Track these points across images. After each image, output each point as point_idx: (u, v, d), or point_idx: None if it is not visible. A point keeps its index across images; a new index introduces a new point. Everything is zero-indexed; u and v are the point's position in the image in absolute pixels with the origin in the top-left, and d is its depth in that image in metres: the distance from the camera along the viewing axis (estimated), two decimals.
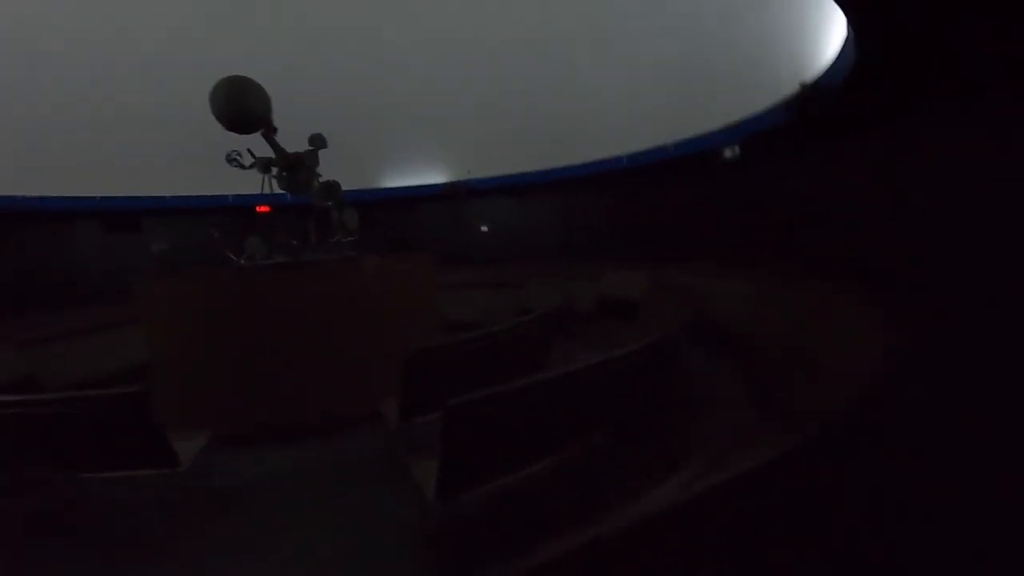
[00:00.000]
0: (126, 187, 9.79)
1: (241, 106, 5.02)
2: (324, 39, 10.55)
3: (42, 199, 8.92)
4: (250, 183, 5.99)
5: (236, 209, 9.98)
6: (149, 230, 10.63)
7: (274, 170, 5.85)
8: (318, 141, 5.92)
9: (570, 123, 10.34)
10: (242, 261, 5.54)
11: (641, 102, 9.20)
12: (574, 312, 7.58)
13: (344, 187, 11.23)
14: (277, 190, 6.00)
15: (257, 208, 9.46)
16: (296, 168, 5.79)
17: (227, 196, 10.30)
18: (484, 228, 12.16)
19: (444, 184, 11.66)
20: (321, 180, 6.20)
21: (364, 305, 4.88)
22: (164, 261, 10.83)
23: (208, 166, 7.18)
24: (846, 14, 3.84)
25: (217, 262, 5.77)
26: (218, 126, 5.11)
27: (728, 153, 7.01)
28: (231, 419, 4.64)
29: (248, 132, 5.24)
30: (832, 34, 5.58)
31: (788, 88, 5.92)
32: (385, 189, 12.10)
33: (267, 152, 5.71)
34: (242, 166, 5.76)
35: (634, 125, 9.16)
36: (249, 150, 5.74)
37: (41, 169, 8.81)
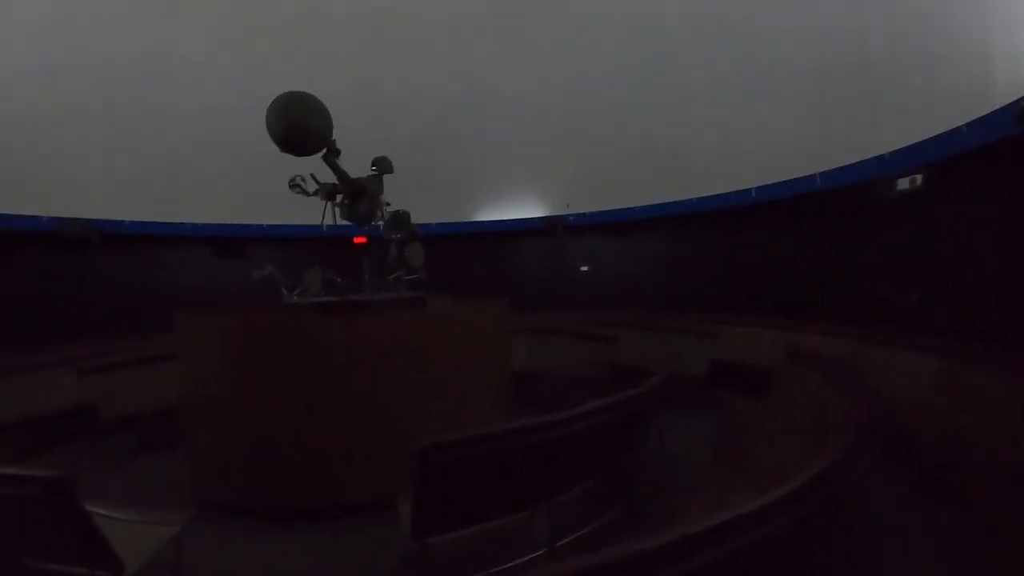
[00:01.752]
0: (230, 214, 10.05)
1: (294, 124, 4.46)
2: (420, 70, 10.30)
3: (150, 223, 9.32)
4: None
5: (331, 239, 9.82)
6: (251, 256, 10.83)
7: (339, 197, 5.28)
8: (383, 165, 5.24)
9: (683, 151, 9.02)
10: (294, 297, 4.96)
11: (775, 123, 7.66)
12: (679, 375, 6.18)
13: (432, 219, 10.98)
14: (341, 220, 5.43)
15: (355, 239, 9.23)
16: (359, 195, 5.15)
17: (321, 226, 10.20)
18: (584, 268, 11.02)
19: (540, 219, 10.74)
20: (389, 209, 5.53)
21: (412, 358, 3.96)
22: (264, 287, 11.01)
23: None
24: None
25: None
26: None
27: (905, 184, 5.30)
28: (225, 489, 3.94)
29: (304, 154, 4.68)
30: None
31: (1003, 93, 4.23)
32: (474, 223, 11.46)
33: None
34: (305, 192, 5.24)
35: (766, 151, 7.63)
36: (313, 175, 5.22)
37: (153, 195, 9.22)
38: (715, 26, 8.10)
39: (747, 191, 7.83)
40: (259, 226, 10.22)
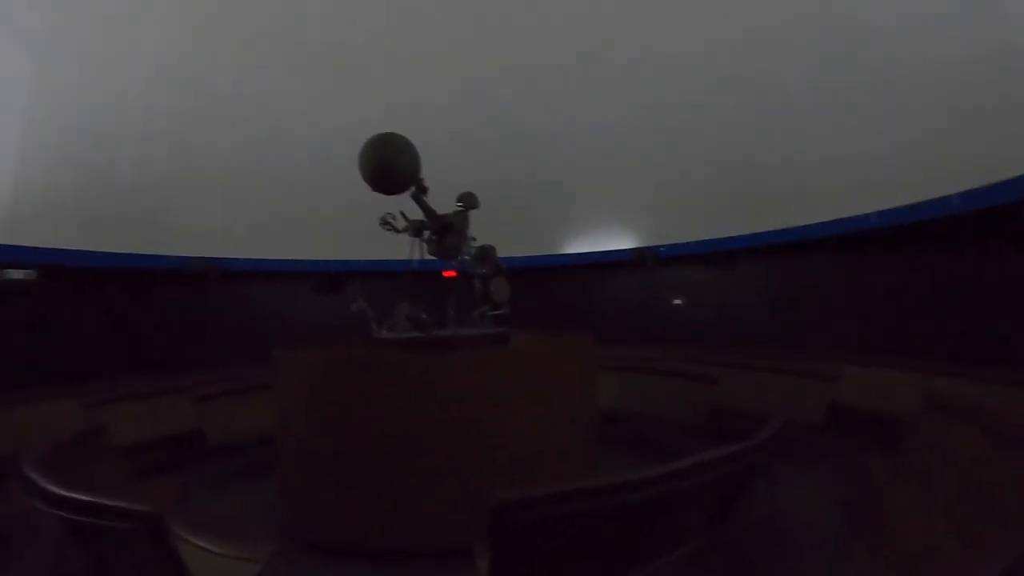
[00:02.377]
0: (332, 252, 10.64)
1: (384, 164, 4.59)
2: (506, 107, 10.46)
3: (260, 261, 10.10)
4: None
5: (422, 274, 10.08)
6: (349, 291, 11.36)
7: (426, 233, 5.35)
8: (468, 200, 5.25)
9: (786, 174, 8.34)
10: (383, 331, 5.01)
11: (893, 139, 6.87)
12: (791, 421, 5.51)
13: (520, 253, 10.94)
14: (428, 256, 5.48)
15: (444, 273, 9.43)
16: (445, 231, 5.18)
17: (413, 261, 10.52)
18: (677, 302, 10.44)
19: (630, 250, 10.36)
20: (475, 244, 5.51)
21: (492, 397, 3.80)
22: (359, 321, 11.50)
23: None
24: None
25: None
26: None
27: None
28: (306, 524, 3.93)
29: (393, 192, 4.79)
30: None
31: None
32: (561, 255, 11.28)
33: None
34: (395, 229, 5.35)
35: (888, 169, 6.85)
36: (402, 212, 5.33)
37: (264, 235, 10.00)
38: (820, 32, 7.48)
39: (866, 216, 7.02)
40: (357, 262, 10.71)
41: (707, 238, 9.34)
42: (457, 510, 3.51)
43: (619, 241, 10.71)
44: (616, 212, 10.91)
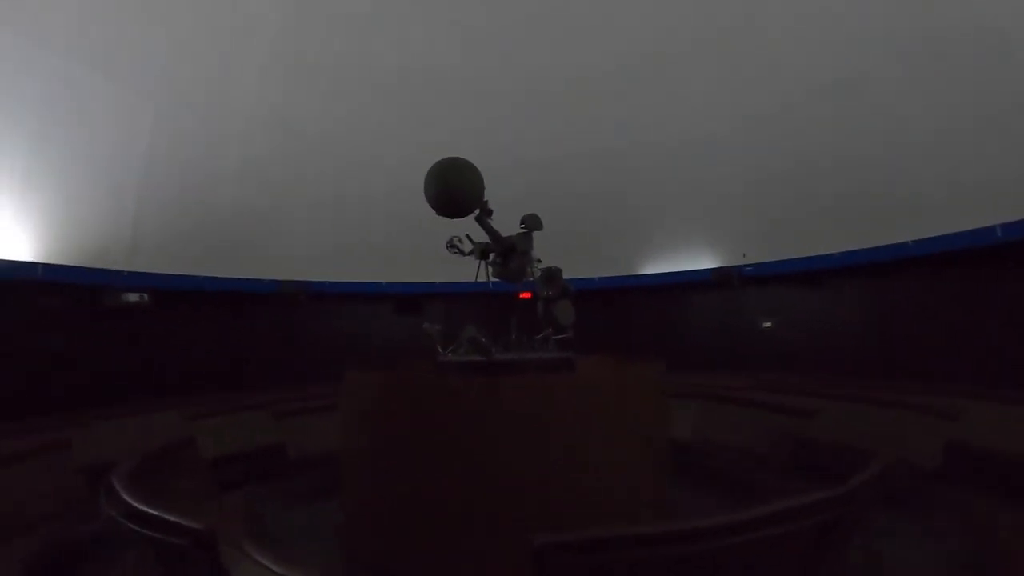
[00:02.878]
0: (411, 274, 10.97)
1: (448, 188, 4.62)
2: (577, 127, 10.36)
3: (346, 283, 10.62)
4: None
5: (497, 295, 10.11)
6: (427, 312, 11.63)
7: (491, 256, 5.33)
8: (531, 222, 5.16)
9: (887, 185, 7.55)
10: (448, 354, 5.01)
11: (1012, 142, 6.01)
12: (899, 462, 4.84)
13: (594, 274, 10.68)
14: (493, 278, 5.45)
15: (520, 295, 9.41)
16: (510, 254, 5.13)
17: (488, 283, 10.60)
18: (766, 325, 9.71)
19: (712, 270, 9.81)
20: (540, 266, 5.41)
21: (552, 426, 3.63)
22: (442, 340, 11.71)
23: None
24: None
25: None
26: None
27: None
28: (363, 547, 3.91)
29: (457, 216, 4.81)
30: None
31: None
32: (636, 276, 10.89)
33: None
34: (462, 253, 5.38)
35: (1000, 180, 6.00)
36: (468, 236, 5.36)
37: (347, 257, 10.52)
38: (923, 31, 6.76)
39: (990, 229, 6.17)
40: (434, 284, 10.96)
41: (798, 256, 8.63)
42: (514, 545, 3.36)
43: (701, 260, 10.18)
44: (697, 230, 10.40)
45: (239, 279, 9.24)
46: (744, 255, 9.50)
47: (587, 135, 10.44)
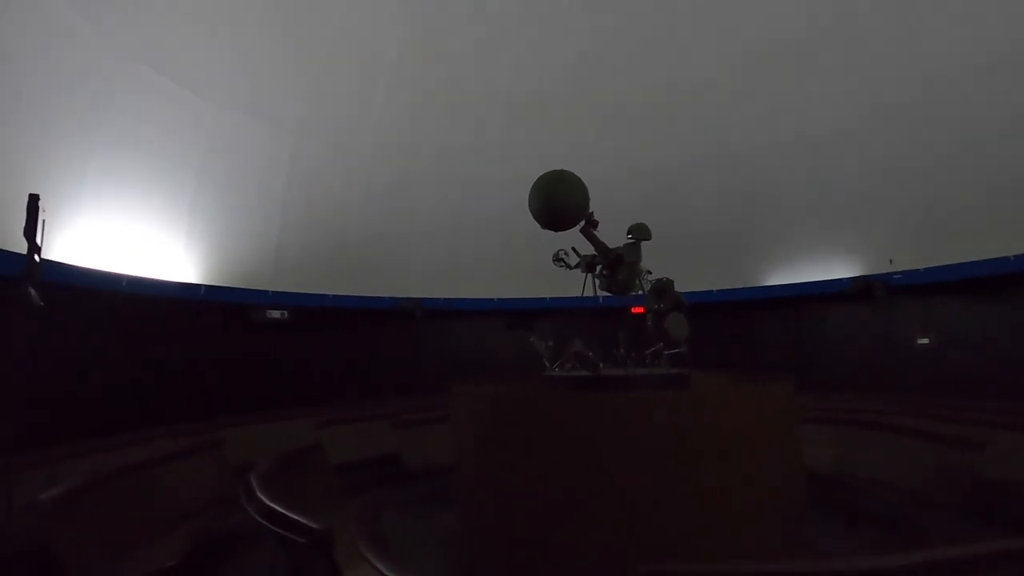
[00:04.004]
0: (523, 290, 11.11)
1: (552, 201, 4.59)
2: (702, 129, 9.88)
3: (459, 300, 11.02)
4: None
5: (607, 310, 9.90)
6: (537, 327, 11.69)
7: (598, 268, 5.20)
8: (639, 232, 4.96)
9: None
10: (555, 368, 4.95)
11: None
12: None
13: (716, 286, 10.04)
14: (601, 291, 5.31)
15: (632, 309, 9.15)
16: (617, 265, 4.97)
17: (597, 297, 10.42)
18: (923, 341, 8.43)
19: (852, 279, 8.76)
20: (651, 278, 5.18)
21: (664, 448, 3.40)
22: (549, 355, 11.73)
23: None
24: None
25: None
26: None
27: None
28: (475, 559, 3.89)
29: (562, 229, 4.75)
30: None
31: None
32: (762, 288, 10.04)
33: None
34: (568, 266, 5.32)
35: None
36: (574, 248, 5.28)
37: (462, 274, 10.92)
38: None
39: None
40: (543, 299, 10.99)
41: (960, 261, 7.42)
42: (618, 572, 3.18)
43: (838, 269, 9.16)
44: (831, 235, 9.40)
45: (363, 296, 9.96)
46: (891, 261, 8.38)
47: (704, 140, 10.01)
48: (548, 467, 3.52)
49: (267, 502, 3.09)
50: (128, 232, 7.00)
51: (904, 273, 8.19)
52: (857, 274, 8.79)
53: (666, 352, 4.67)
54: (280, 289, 9.03)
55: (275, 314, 8.76)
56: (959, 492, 4.44)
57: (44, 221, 4.69)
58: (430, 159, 10.48)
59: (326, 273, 9.55)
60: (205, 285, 7.91)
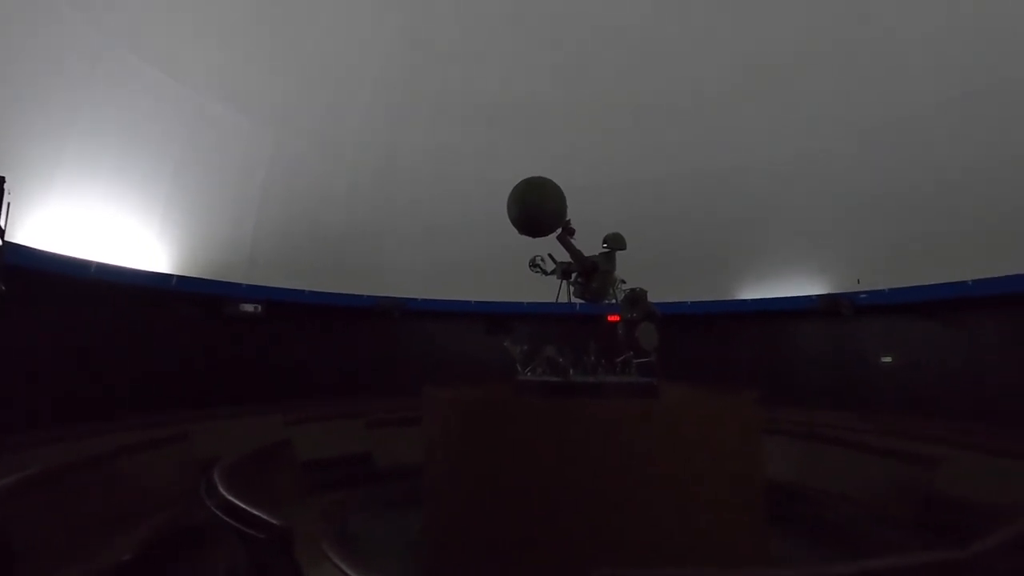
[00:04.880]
0: (499, 293, 11.14)
1: (531, 207, 4.66)
2: (677, 146, 10.07)
3: (437, 301, 11.05)
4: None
5: (584, 317, 9.98)
6: (514, 331, 11.72)
7: (573, 276, 5.28)
8: (614, 241, 5.06)
9: None
10: (527, 373, 4.99)
11: None
12: None
13: (688, 297, 10.21)
14: (575, 298, 5.39)
15: (608, 317, 9.26)
16: (591, 273, 5.05)
17: (574, 304, 10.51)
18: (886, 359, 8.70)
19: (819, 297, 9.00)
20: (624, 287, 5.28)
21: (628, 456, 3.47)
22: (523, 359, 11.76)
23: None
24: None
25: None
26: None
27: None
28: (439, 561, 3.92)
29: (539, 235, 4.83)
30: None
31: None
32: (732, 301, 10.25)
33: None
34: (544, 272, 5.40)
35: None
36: (551, 255, 5.36)
37: (440, 276, 10.93)
38: None
39: None
40: (520, 304, 11.04)
41: (922, 283, 7.68)
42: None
43: (809, 286, 9.39)
44: (805, 253, 9.64)
45: (341, 294, 9.89)
46: (858, 281, 8.64)
47: (684, 154, 10.18)
48: (513, 472, 3.57)
49: (228, 496, 3.07)
50: (101, 218, 6.86)
51: (869, 293, 8.45)
52: (825, 292, 9.03)
53: (636, 361, 4.75)
54: (255, 283, 8.91)
55: (249, 308, 8.64)
56: (914, 507, 4.61)
57: (9, 204, 4.58)
58: (412, 159, 10.46)
59: (303, 268, 9.45)
60: (177, 275, 7.77)
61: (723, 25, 8.91)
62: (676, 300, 10.01)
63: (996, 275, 6.83)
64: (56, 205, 6.31)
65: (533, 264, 5.39)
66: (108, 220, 6.97)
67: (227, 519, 2.88)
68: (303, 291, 9.40)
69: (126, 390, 7.06)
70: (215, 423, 6.62)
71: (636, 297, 5.13)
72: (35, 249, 5.84)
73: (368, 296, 10.30)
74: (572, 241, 4.99)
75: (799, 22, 8.33)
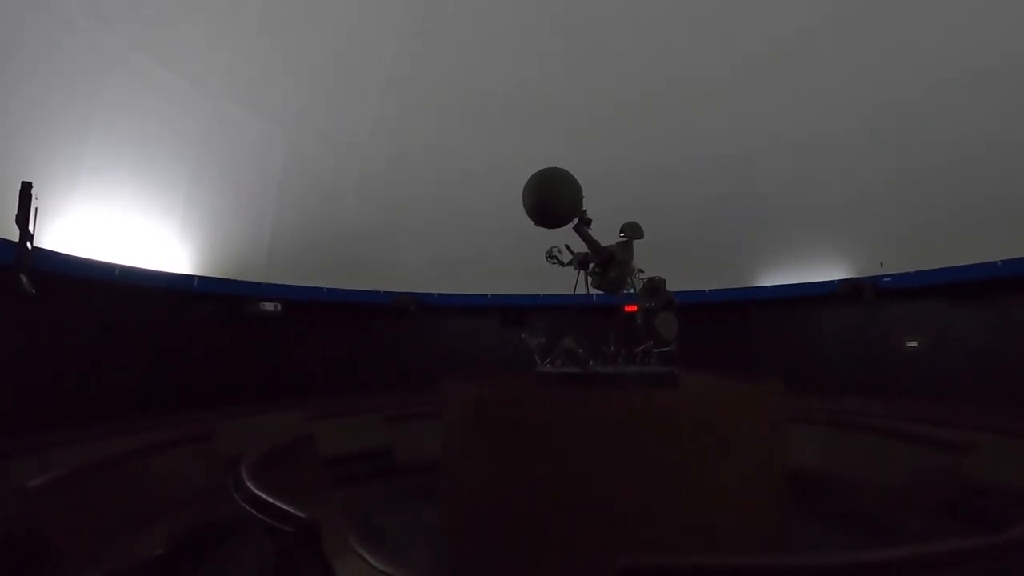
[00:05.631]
0: (515, 286, 11.13)
1: (546, 198, 4.62)
2: (689, 134, 9.93)
3: (453, 295, 11.09)
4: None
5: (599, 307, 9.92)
6: (529, 323, 11.71)
7: (591, 266, 5.24)
8: (631, 230, 5.00)
9: None
10: (546, 365, 4.98)
11: None
12: None
13: (707, 286, 10.09)
14: (593, 289, 5.35)
15: (625, 308, 9.19)
16: (609, 263, 5.00)
17: (590, 294, 10.47)
18: (912, 343, 8.54)
19: (841, 281, 8.84)
20: (642, 276, 5.22)
21: (650, 445, 3.45)
22: (540, 352, 11.73)
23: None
24: None
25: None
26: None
27: None
28: (463, 552, 3.94)
29: (556, 225, 4.79)
30: None
31: None
32: (752, 288, 10.11)
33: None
34: (561, 263, 5.36)
35: None
36: (567, 246, 5.31)
37: (456, 270, 10.94)
38: None
39: None
40: (536, 296, 11.03)
41: (949, 266, 7.50)
42: (598, 564, 3.22)
43: (830, 271, 9.23)
44: (825, 237, 9.48)
45: (357, 291, 9.97)
46: (881, 264, 8.46)
47: (700, 139, 10.03)
48: (533, 463, 3.57)
49: (255, 491, 3.11)
50: (123, 222, 6.98)
51: (894, 276, 8.28)
52: (847, 276, 8.87)
53: (655, 350, 4.71)
54: (274, 281, 9.02)
55: (268, 306, 8.76)
56: (943, 493, 4.51)
57: (37, 209, 4.68)
58: (425, 155, 10.47)
59: (320, 266, 9.55)
60: (198, 276, 7.90)
61: (733, 11, 8.74)
62: (693, 289, 9.91)
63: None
64: (79, 210, 6.44)
65: (550, 256, 5.34)
66: (130, 224, 7.10)
67: (254, 512, 2.92)
68: (321, 288, 9.49)
69: (151, 390, 7.21)
70: (238, 420, 6.72)
71: (655, 286, 5.08)
72: (62, 254, 5.97)
73: (384, 292, 10.37)
74: (588, 231, 4.95)
75: (811, 4, 8.14)
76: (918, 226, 8.05)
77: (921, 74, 7.62)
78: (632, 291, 5.17)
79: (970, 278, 7.32)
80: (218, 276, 8.20)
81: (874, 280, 8.43)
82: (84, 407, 6.22)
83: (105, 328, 6.76)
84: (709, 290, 10.19)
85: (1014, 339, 7.23)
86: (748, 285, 10.25)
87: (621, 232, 5.10)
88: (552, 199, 4.64)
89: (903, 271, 8.14)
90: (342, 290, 9.77)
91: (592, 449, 3.46)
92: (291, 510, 2.66)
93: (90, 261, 6.34)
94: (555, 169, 4.75)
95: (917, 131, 7.84)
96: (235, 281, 8.43)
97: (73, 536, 3.29)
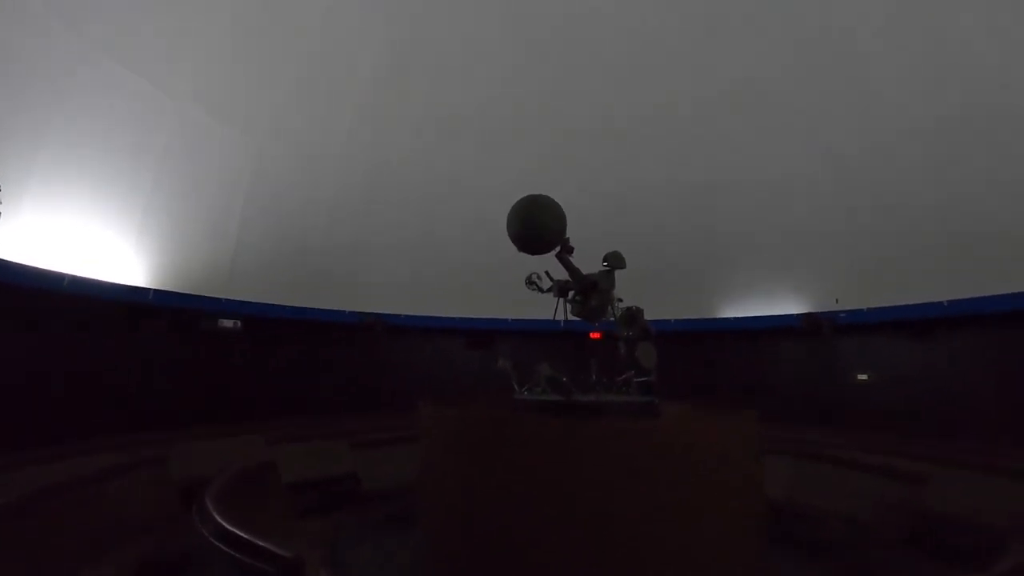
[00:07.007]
0: (483, 310, 11.05)
1: (530, 225, 4.62)
2: (656, 163, 10.24)
3: (420, 317, 10.93)
4: None
5: (569, 334, 9.95)
6: (497, 347, 11.63)
7: (571, 294, 5.25)
8: (614, 260, 5.05)
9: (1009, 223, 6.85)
10: (524, 392, 4.92)
11: None
12: None
13: (672, 316, 10.29)
14: (572, 316, 5.36)
15: (590, 335, 9.24)
16: (590, 291, 5.03)
17: (559, 321, 10.50)
18: (862, 377, 8.91)
19: (800, 316, 9.20)
20: (622, 306, 5.27)
21: (636, 474, 3.42)
22: (504, 376, 11.58)
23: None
24: None
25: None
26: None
27: None
28: None
29: (538, 252, 4.79)
30: None
31: None
32: (718, 320, 10.40)
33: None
34: (540, 289, 5.33)
35: None
36: (547, 273, 5.31)
37: (423, 292, 10.81)
38: None
39: None
40: (505, 320, 10.99)
41: (902, 303, 7.93)
42: None
43: (788, 305, 9.59)
44: (787, 272, 9.86)
45: (323, 310, 9.68)
46: (837, 300, 8.86)
47: (668, 171, 10.31)
48: (517, 491, 3.48)
49: (226, 525, 2.91)
50: (75, 229, 6.58)
51: (849, 312, 8.68)
52: (806, 311, 9.23)
53: (636, 380, 4.73)
54: (235, 297, 8.65)
55: (227, 323, 8.37)
56: (906, 525, 4.67)
57: None
58: (397, 174, 10.38)
59: (284, 283, 9.23)
60: (154, 289, 7.49)
61: (709, 42, 9.14)
62: (657, 318, 10.07)
63: (969, 296, 7.10)
64: (29, 216, 6.03)
65: (529, 281, 5.32)
66: (83, 231, 6.69)
67: (226, 548, 2.72)
68: (284, 307, 9.15)
69: (100, 409, 6.72)
70: (194, 443, 6.32)
71: (633, 315, 5.12)
72: (5, 261, 5.55)
73: (350, 312, 10.11)
74: (571, 259, 4.97)
75: (782, 49, 8.61)
76: (873, 266, 8.50)
77: (874, 126, 8.13)
78: (612, 319, 5.21)
79: (919, 316, 7.74)
80: (175, 290, 7.79)
81: (831, 316, 8.80)
82: (26, 430, 5.72)
83: (51, 342, 6.29)
84: (675, 320, 10.39)
85: (964, 375, 7.64)
86: (709, 316, 10.52)
87: (604, 261, 5.14)
88: (537, 226, 4.64)
89: (858, 308, 8.54)
90: (307, 308, 9.46)
91: (577, 479, 3.41)
92: (273, 548, 2.49)
93: (36, 269, 5.92)
94: (540, 196, 4.77)
95: (869, 177, 8.33)
96: (193, 296, 8.03)
97: (16, 571, 2.98)
